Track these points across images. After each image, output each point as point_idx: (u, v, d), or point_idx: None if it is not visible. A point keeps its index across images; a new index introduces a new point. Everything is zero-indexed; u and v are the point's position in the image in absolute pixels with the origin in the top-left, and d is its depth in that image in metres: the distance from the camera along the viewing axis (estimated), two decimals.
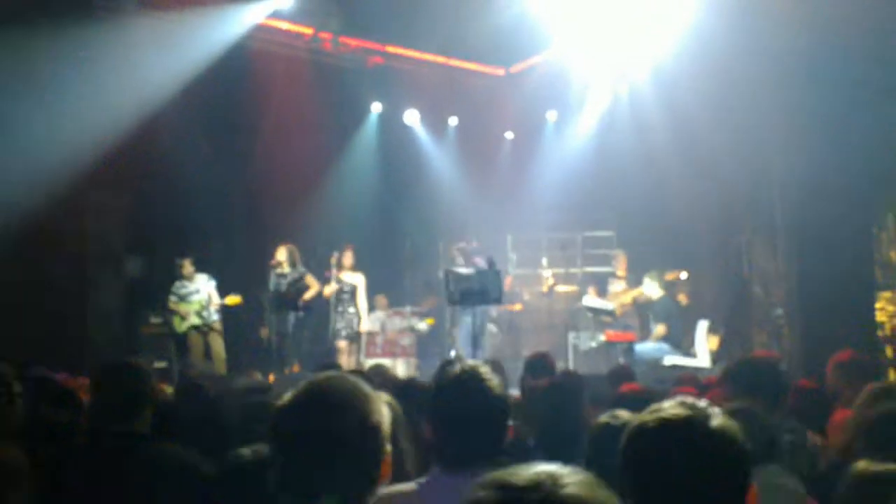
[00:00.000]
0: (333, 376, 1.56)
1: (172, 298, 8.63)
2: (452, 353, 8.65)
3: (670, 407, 1.40)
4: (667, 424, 1.37)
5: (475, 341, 8.62)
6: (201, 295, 8.60)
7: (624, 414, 2.47)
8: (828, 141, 6.79)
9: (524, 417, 3.55)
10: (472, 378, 1.86)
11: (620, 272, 9.82)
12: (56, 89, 6.96)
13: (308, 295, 8.46)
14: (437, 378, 1.96)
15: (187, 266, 8.63)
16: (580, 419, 3.04)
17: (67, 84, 6.99)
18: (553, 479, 0.96)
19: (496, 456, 1.78)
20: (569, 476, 0.96)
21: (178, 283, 8.65)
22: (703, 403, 1.42)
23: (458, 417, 1.82)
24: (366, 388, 1.52)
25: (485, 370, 1.90)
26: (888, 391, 2.64)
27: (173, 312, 8.61)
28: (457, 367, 1.92)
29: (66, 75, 6.98)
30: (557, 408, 3.07)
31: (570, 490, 0.94)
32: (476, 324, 8.61)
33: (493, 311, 10.33)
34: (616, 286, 9.76)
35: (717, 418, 1.38)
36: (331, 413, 1.45)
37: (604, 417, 2.51)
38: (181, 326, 8.59)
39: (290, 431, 1.44)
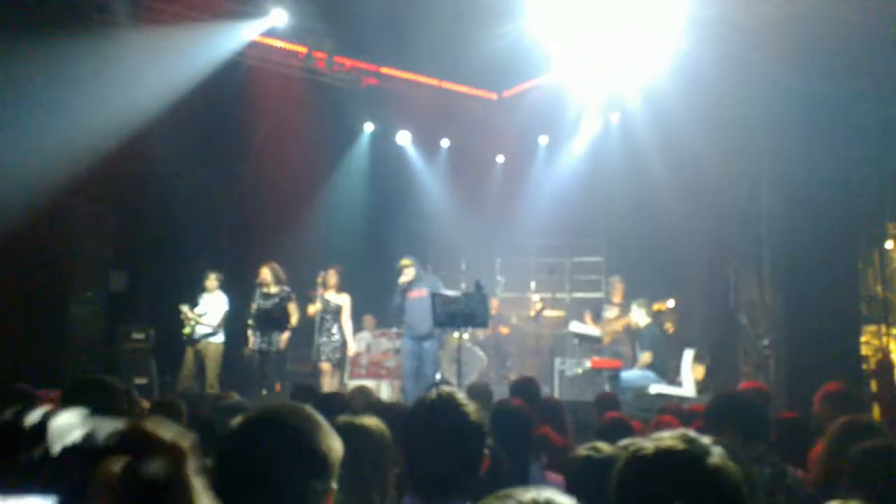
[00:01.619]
0: (286, 405, 1.53)
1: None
2: (438, 377, 8.52)
3: (669, 438, 1.36)
4: (664, 454, 1.32)
5: (417, 373, 8.13)
6: (202, 310, 8.57)
7: (605, 447, 2.44)
8: (815, 176, 6.85)
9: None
10: (445, 404, 1.83)
11: (617, 299, 9.76)
12: (45, 100, 6.92)
13: (293, 321, 8.39)
14: (413, 403, 1.92)
15: (210, 280, 8.66)
16: (522, 461, 3.00)
17: (57, 95, 6.95)
18: None
19: (469, 484, 1.73)
20: None
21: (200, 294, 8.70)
22: (705, 439, 1.36)
23: (429, 443, 1.77)
24: (318, 419, 1.50)
25: (460, 396, 1.86)
26: (863, 426, 2.61)
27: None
28: (432, 393, 1.88)
29: (57, 87, 6.95)
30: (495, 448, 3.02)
31: None
32: (417, 353, 8.15)
33: (480, 334, 10.27)
34: (610, 312, 9.72)
35: (717, 456, 1.33)
36: (273, 443, 1.42)
37: (584, 450, 2.48)
38: (184, 334, 8.59)
39: (231, 458, 1.42)
